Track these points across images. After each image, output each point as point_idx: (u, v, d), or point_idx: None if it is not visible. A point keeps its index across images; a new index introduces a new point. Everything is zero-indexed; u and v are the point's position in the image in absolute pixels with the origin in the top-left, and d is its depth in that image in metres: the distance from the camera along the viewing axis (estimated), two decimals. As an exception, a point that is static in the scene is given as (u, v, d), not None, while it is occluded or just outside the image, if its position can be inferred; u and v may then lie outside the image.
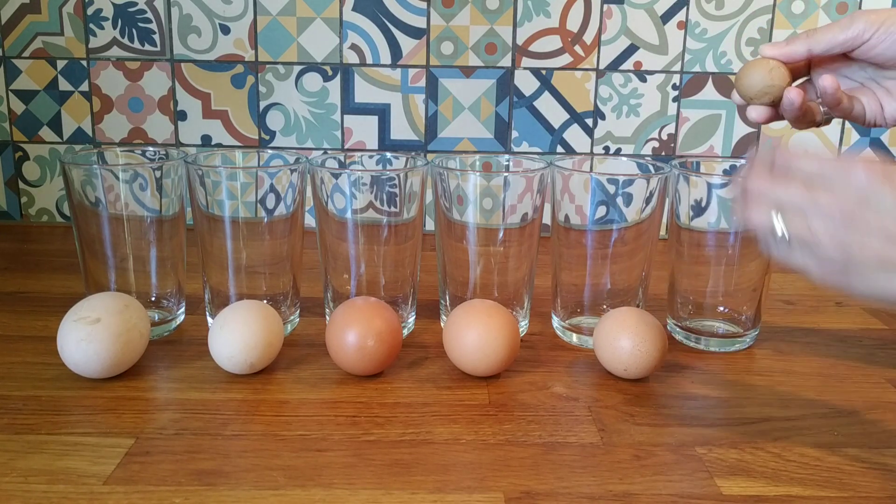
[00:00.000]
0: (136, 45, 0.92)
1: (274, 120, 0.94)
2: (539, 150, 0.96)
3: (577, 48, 0.93)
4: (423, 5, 0.91)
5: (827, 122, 0.59)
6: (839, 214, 0.40)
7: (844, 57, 0.57)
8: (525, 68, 0.93)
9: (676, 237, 0.64)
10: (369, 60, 0.93)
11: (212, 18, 0.92)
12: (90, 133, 0.95)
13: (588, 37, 0.92)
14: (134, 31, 0.92)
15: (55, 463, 0.46)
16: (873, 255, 0.39)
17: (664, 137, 0.95)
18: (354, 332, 0.55)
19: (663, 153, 0.96)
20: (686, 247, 0.64)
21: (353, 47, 0.92)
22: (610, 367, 0.58)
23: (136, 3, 0.91)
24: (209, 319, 0.65)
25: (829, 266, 0.41)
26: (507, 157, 0.72)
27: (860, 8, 0.91)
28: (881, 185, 0.39)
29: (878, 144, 0.96)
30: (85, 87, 0.94)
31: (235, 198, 0.60)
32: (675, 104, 0.94)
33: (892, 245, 0.39)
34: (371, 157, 0.69)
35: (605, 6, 0.91)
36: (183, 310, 0.66)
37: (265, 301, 0.62)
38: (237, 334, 0.55)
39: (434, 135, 0.95)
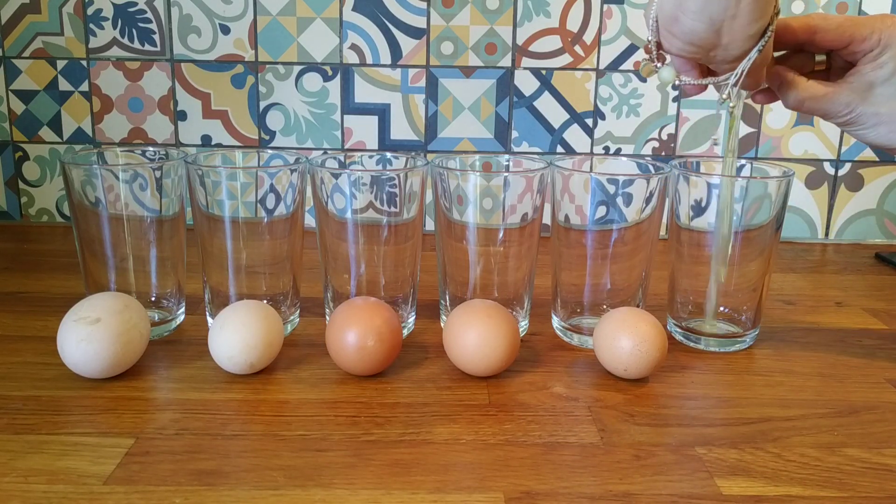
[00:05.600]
0: (136, 45, 0.92)
1: (274, 120, 0.94)
2: (539, 150, 0.96)
3: (577, 48, 0.93)
4: (423, 5, 0.91)
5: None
6: None
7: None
8: (525, 68, 0.93)
9: (676, 237, 0.64)
10: (369, 60, 0.93)
11: (212, 18, 0.92)
12: (90, 133, 0.95)
13: (588, 37, 0.92)
14: (134, 31, 0.92)
15: (55, 463, 0.46)
16: None
17: (664, 137, 0.95)
18: (354, 332, 0.55)
19: (663, 153, 0.96)
20: (686, 247, 0.64)
21: (353, 47, 0.92)
22: (610, 367, 0.58)
23: (136, 3, 0.91)
24: (209, 319, 0.65)
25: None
26: (507, 157, 0.72)
27: (859, 9, 0.91)
28: None
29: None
30: (85, 87, 0.94)
31: (235, 198, 0.60)
32: (675, 104, 0.94)
33: None
34: (371, 157, 0.69)
35: (605, 6, 0.91)
36: (183, 310, 0.66)
37: (265, 301, 0.62)
38: (237, 334, 0.55)
39: (434, 135, 0.95)
